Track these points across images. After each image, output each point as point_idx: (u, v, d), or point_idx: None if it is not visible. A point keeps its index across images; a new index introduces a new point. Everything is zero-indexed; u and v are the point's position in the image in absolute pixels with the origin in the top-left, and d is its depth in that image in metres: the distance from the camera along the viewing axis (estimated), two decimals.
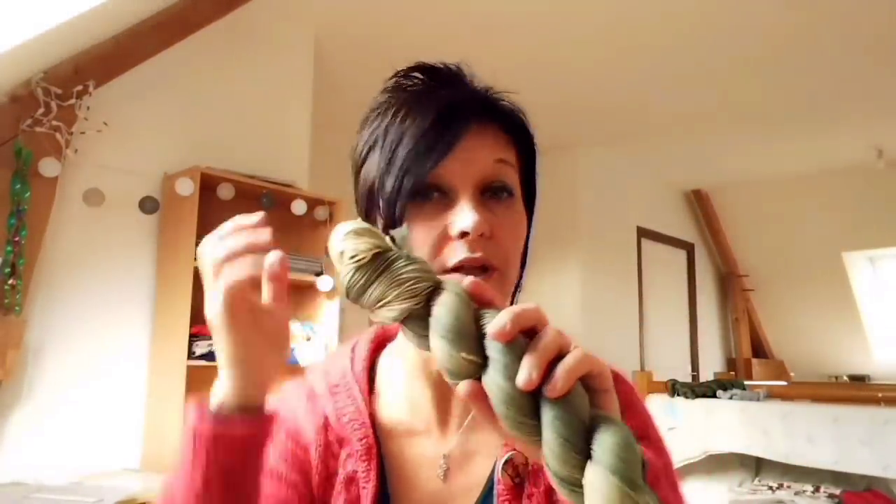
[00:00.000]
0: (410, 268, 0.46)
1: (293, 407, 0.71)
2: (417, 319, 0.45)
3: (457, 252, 0.60)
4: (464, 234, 0.59)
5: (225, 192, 2.44)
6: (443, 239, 0.61)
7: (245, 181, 2.49)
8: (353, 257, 0.47)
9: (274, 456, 0.67)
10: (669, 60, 3.57)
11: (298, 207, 2.60)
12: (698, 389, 3.07)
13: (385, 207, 0.63)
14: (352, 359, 0.73)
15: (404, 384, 0.70)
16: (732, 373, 5.91)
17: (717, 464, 3.05)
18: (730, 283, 6.48)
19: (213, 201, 2.43)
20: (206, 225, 2.33)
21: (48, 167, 2.15)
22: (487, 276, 0.60)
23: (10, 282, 2.05)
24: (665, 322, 5.64)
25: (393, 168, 0.63)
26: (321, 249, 2.67)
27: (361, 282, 0.47)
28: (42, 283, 2.18)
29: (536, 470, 0.63)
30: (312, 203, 2.67)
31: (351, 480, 0.65)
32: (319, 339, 2.60)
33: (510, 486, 0.63)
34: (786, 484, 2.94)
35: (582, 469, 0.38)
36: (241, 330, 0.54)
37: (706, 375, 5.60)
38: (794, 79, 3.80)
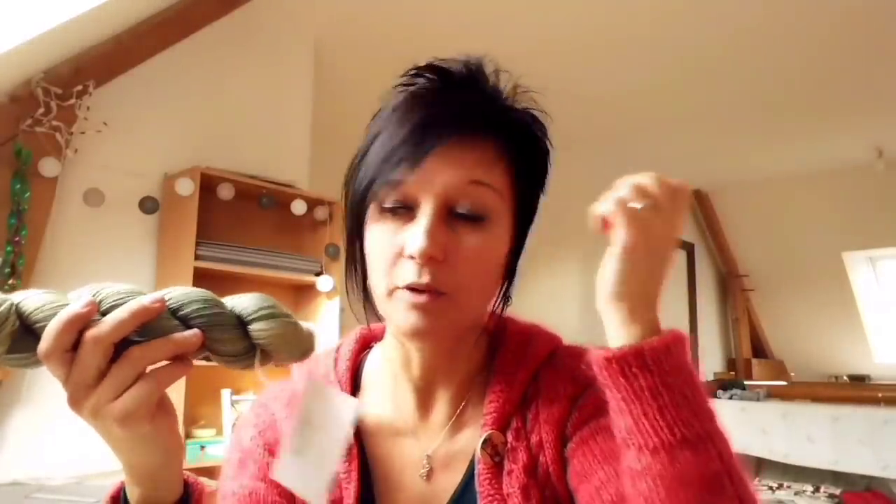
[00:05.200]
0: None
1: (273, 411, 0.71)
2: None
3: (406, 272, 0.59)
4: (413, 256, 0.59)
5: (225, 192, 2.44)
6: (398, 255, 0.60)
7: (245, 181, 2.49)
8: None
9: (251, 475, 0.67)
10: (669, 59, 3.57)
11: (298, 207, 2.60)
12: None
13: (347, 214, 0.65)
14: (336, 359, 0.73)
15: (389, 384, 0.70)
16: (732, 373, 5.92)
17: None
18: (730, 283, 6.48)
19: (213, 201, 2.43)
20: (206, 225, 2.33)
21: (48, 167, 2.14)
22: (433, 300, 0.59)
23: (10, 282, 2.05)
24: (665, 322, 5.61)
25: (359, 175, 0.63)
26: (321, 249, 2.67)
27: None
28: (42, 283, 2.18)
29: (515, 448, 0.64)
30: (312, 203, 2.67)
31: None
32: (319, 340, 2.60)
33: (490, 464, 0.64)
34: (786, 484, 2.94)
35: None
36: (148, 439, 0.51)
37: (706, 375, 5.60)
38: (795, 79, 3.80)
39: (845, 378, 5.76)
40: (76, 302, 0.44)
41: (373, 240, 0.62)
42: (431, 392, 0.69)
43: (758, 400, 3.06)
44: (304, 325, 0.51)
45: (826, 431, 2.76)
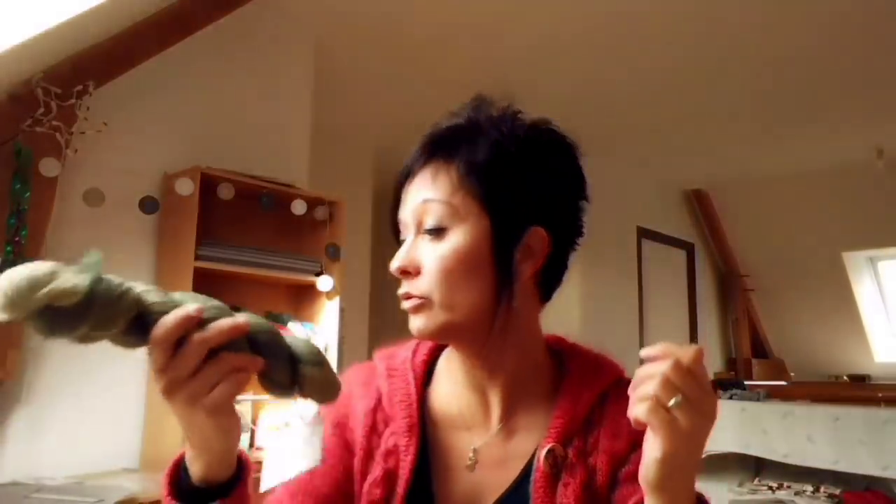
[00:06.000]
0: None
1: (350, 390, 0.79)
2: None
3: (401, 286, 0.72)
4: None
5: (225, 191, 2.44)
6: None
7: (245, 181, 2.49)
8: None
9: None
10: (669, 59, 3.57)
11: (298, 207, 2.60)
12: None
13: None
14: (415, 350, 0.82)
15: (454, 385, 0.77)
16: (732, 373, 5.92)
17: (717, 464, 3.06)
18: (730, 283, 6.48)
19: (213, 201, 2.43)
20: (206, 225, 2.33)
21: (48, 167, 2.14)
22: (417, 305, 0.70)
23: None
24: (665, 322, 5.64)
25: None
26: (321, 249, 2.67)
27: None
28: None
29: (575, 464, 0.70)
30: (312, 203, 2.66)
31: (390, 453, 0.73)
32: (319, 340, 2.60)
33: (547, 473, 0.69)
34: (786, 484, 2.94)
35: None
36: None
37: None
38: (795, 78, 3.80)
39: (845, 378, 5.77)
40: (187, 305, 0.52)
41: None
42: (485, 393, 0.75)
43: (758, 400, 3.06)
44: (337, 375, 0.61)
45: (826, 431, 2.76)
